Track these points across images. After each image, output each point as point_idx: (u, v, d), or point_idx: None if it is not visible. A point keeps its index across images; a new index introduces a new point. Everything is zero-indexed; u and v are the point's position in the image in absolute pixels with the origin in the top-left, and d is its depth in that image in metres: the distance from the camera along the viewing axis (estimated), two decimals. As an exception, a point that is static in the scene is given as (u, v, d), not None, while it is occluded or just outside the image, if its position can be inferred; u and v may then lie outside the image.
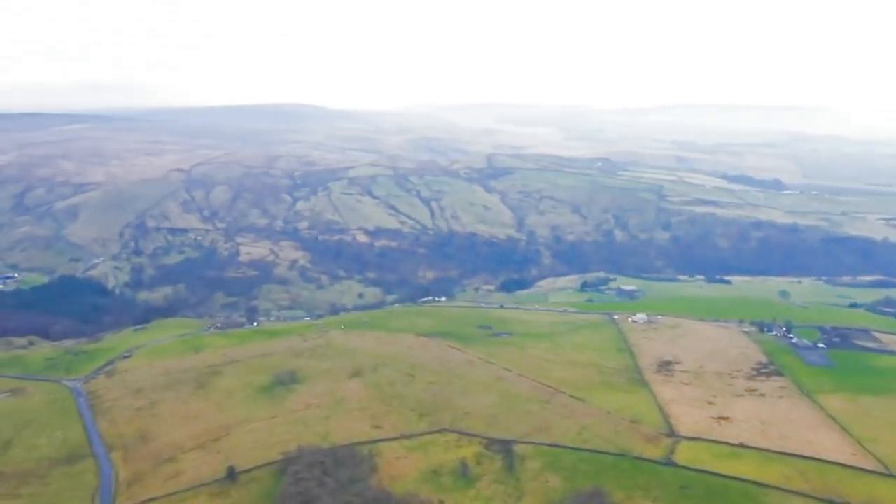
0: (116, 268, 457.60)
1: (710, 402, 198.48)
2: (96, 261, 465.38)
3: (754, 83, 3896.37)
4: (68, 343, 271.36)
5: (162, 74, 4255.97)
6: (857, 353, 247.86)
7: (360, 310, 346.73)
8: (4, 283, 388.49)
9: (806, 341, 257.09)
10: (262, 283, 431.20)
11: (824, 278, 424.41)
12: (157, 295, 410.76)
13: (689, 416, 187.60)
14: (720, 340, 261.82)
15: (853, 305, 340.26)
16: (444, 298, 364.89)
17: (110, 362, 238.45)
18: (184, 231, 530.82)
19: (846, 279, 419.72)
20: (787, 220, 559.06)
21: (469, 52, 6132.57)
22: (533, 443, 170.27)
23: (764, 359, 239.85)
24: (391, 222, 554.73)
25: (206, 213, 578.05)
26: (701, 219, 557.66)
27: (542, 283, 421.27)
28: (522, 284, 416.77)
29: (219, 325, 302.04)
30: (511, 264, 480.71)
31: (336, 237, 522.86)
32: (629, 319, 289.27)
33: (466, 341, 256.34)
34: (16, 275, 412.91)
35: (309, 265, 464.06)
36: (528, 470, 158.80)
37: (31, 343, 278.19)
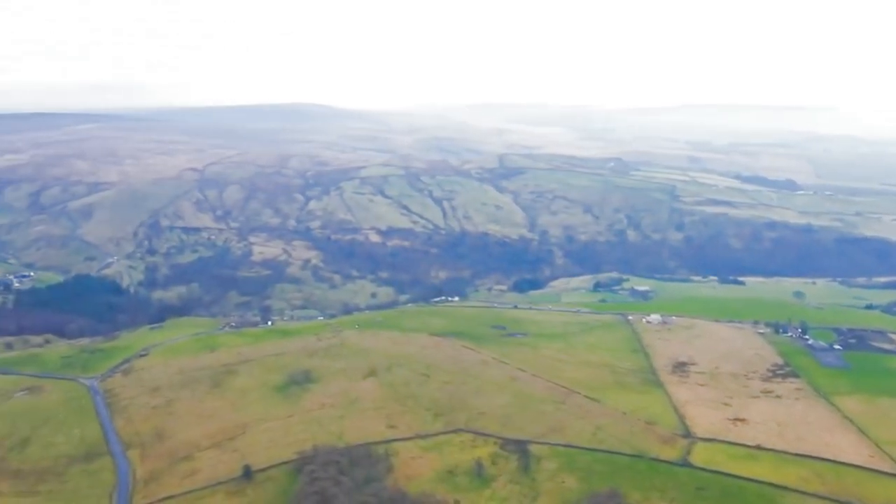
0: (131, 267, 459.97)
1: (725, 404, 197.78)
2: (111, 260, 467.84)
3: (766, 83, 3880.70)
4: (84, 341, 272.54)
5: (164, 74, 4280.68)
6: (874, 354, 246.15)
7: (373, 309, 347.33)
8: (21, 282, 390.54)
9: (822, 343, 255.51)
10: (275, 282, 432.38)
11: (839, 279, 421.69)
12: (172, 294, 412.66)
13: (704, 418, 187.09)
14: (735, 341, 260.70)
15: (869, 307, 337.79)
16: (456, 298, 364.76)
17: (126, 360, 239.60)
18: (197, 230, 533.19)
19: (861, 280, 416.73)
20: (801, 220, 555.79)
21: (479, 51, 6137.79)
22: (548, 443, 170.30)
23: (779, 360, 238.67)
24: (403, 222, 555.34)
25: (219, 212, 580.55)
26: (714, 219, 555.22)
27: (555, 283, 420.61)
28: (535, 284, 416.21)
29: (233, 324, 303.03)
30: (523, 264, 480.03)
31: (348, 237, 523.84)
32: (643, 320, 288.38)
33: (480, 341, 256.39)
34: (32, 273, 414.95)
35: (322, 265, 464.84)
36: (544, 470, 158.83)
37: (47, 341, 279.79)
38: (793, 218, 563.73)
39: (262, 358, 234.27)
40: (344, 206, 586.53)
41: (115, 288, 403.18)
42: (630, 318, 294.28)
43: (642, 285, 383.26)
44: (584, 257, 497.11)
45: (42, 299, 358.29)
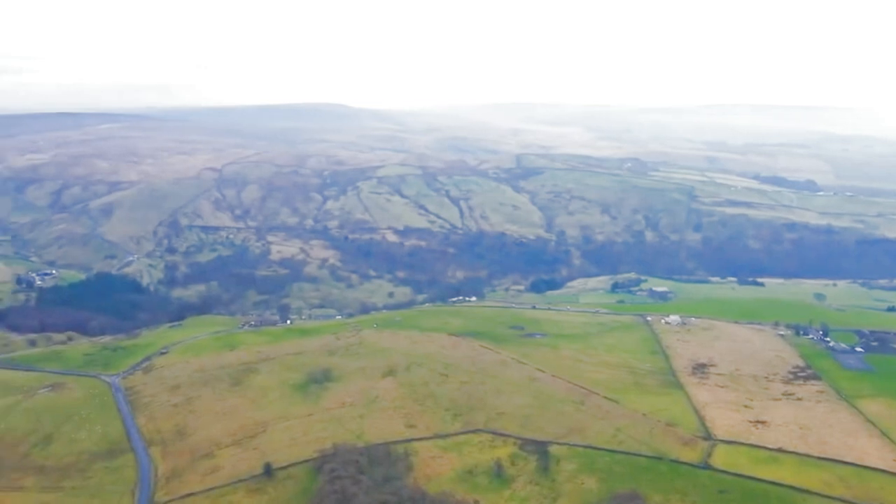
0: (151, 265, 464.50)
1: (746, 406, 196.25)
2: (131, 258, 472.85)
3: (783, 83, 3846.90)
4: (106, 339, 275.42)
5: (183, 75, 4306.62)
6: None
7: (390, 309, 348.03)
8: (43, 280, 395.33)
9: (843, 345, 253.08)
10: (292, 281, 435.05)
11: (860, 281, 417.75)
12: (191, 292, 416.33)
13: (725, 420, 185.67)
14: (755, 343, 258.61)
15: (891, 309, 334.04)
16: (474, 298, 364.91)
17: (147, 358, 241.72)
18: (216, 229, 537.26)
19: (883, 282, 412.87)
20: (821, 221, 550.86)
21: (494, 51, 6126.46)
22: (567, 444, 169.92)
23: (801, 362, 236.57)
24: (421, 222, 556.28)
25: (237, 211, 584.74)
26: (732, 220, 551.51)
27: (573, 283, 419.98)
28: (553, 285, 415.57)
29: (252, 322, 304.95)
30: (541, 265, 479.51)
31: (366, 236, 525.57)
32: (662, 321, 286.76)
33: (498, 341, 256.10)
34: (54, 271, 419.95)
35: (339, 264, 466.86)
36: (564, 471, 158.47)
37: (69, 338, 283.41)
38: (813, 219, 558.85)
39: (282, 357, 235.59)
40: (361, 206, 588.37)
41: (135, 286, 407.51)
42: (649, 318, 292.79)
43: (661, 286, 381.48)
44: (601, 258, 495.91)
45: (64, 297, 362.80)
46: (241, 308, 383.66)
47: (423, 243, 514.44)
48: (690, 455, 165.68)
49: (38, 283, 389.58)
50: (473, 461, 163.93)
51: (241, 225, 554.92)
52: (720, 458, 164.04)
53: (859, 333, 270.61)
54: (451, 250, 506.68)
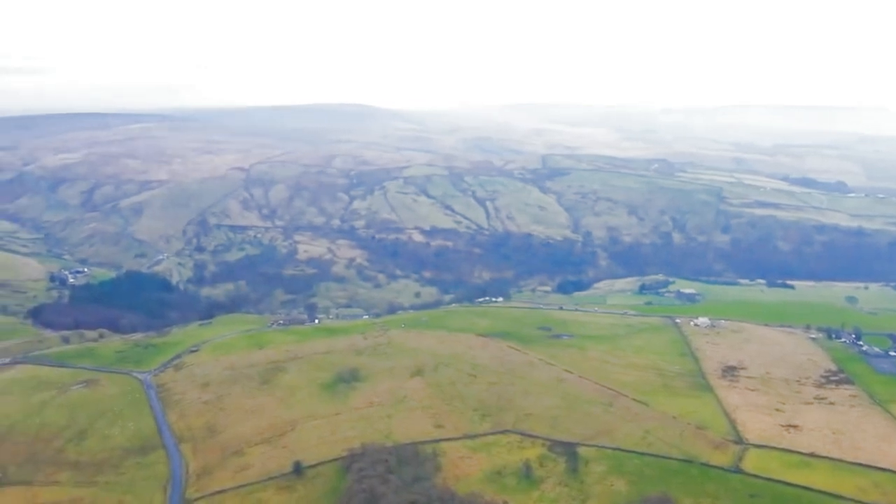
0: (180, 264, 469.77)
1: (778, 410, 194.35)
2: (161, 257, 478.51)
3: (811, 83, 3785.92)
4: (137, 336, 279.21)
5: (210, 75, 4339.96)
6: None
7: (417, 309, 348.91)
8: (75, 278, 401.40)
9: (877, 349, 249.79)
10: (319, 280, 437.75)
11: (893, 284, 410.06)
12: (219, 291, 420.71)
13: (756, 423, 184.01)
14: (786, 346, 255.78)
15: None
16: (500, 299, 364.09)
17: (178, 356, 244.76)
18: (244, 229, 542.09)
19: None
20: (853, 223, 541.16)
21: (513, 52, 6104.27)
22: (596, 445, 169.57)
23: (833, 366, 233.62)
24: (447, 222, 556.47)
25: (265, 211, 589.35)
26: (761, 221, 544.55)
27: (600, 284, 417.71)
28: (579, 286, 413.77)
29: (281, 321, 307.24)
30: (567, 265, 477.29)
31: (392, 236, 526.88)
32: (691, 323, 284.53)
33: (526, 342, 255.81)
34: (85, 269, 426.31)
35: (366, 264, 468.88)
36: (593, 473, 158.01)
37: (101, 336, 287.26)
38: (844, 221, 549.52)
39: (310, 356, 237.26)
40: (388, 206, 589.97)
41: (165, 284, 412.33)
42: (677, 320, 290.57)
43: (689, 288, 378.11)
44: (628, 259, 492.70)
45: (96, 295, 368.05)
46: (269, 307, 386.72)
47: (449, 243, 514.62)
48: (721, 458, 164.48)
49: (71, 280, 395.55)
50: (502, 462, 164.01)
51: (268, 224, 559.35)
52: (751, 462, 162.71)
53: (893, 337, 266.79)
54: (477, 251, 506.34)
